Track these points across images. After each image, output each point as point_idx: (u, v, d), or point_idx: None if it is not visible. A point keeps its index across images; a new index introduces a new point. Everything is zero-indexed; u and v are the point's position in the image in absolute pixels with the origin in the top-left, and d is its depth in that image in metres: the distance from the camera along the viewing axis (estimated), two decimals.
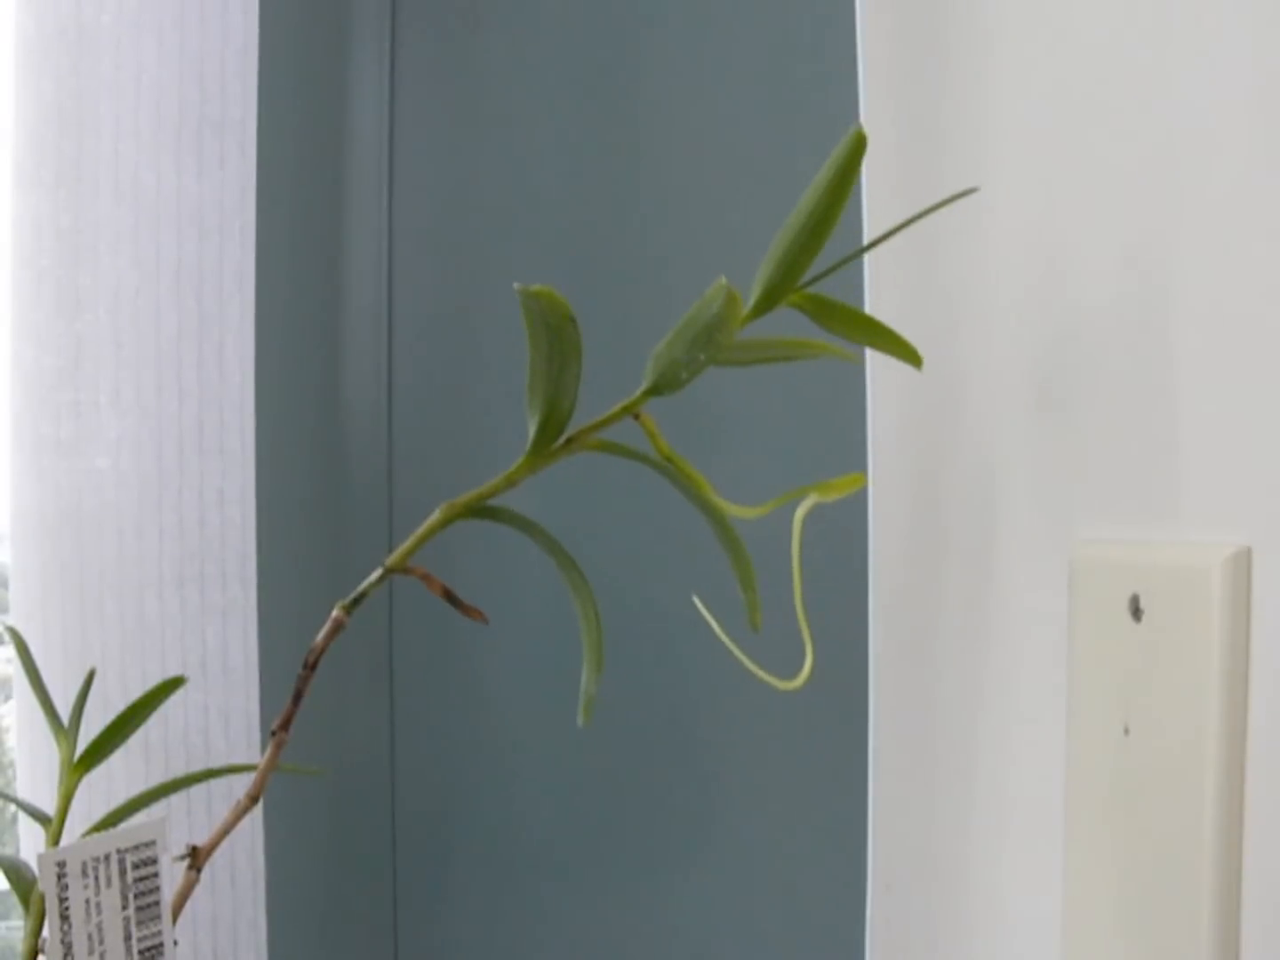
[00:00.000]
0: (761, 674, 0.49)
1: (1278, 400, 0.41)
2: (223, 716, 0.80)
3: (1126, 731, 0.45)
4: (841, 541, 0.64)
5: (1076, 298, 0.50)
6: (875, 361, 0.62)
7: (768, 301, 0.48)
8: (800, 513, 0.49)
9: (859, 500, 0.53)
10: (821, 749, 0.75)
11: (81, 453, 0.76)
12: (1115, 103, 0.48)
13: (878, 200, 0.54)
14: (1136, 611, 0.45)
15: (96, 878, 0.53)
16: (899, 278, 0.61)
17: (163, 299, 0.78)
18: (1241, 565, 0.41)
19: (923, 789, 0.61)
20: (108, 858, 0.54)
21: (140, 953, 0.54)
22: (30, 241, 0.75)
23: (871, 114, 0.63)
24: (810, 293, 0.49)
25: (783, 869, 0.78)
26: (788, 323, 0.50)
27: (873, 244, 0.48)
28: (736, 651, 0.49)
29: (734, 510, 0.49)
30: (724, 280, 0.45)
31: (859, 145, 0.46)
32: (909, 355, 0.50)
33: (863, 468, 0.63)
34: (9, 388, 0.76)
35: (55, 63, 0.75)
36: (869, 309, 0.61)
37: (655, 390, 0.49)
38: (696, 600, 0.52)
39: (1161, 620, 0.44)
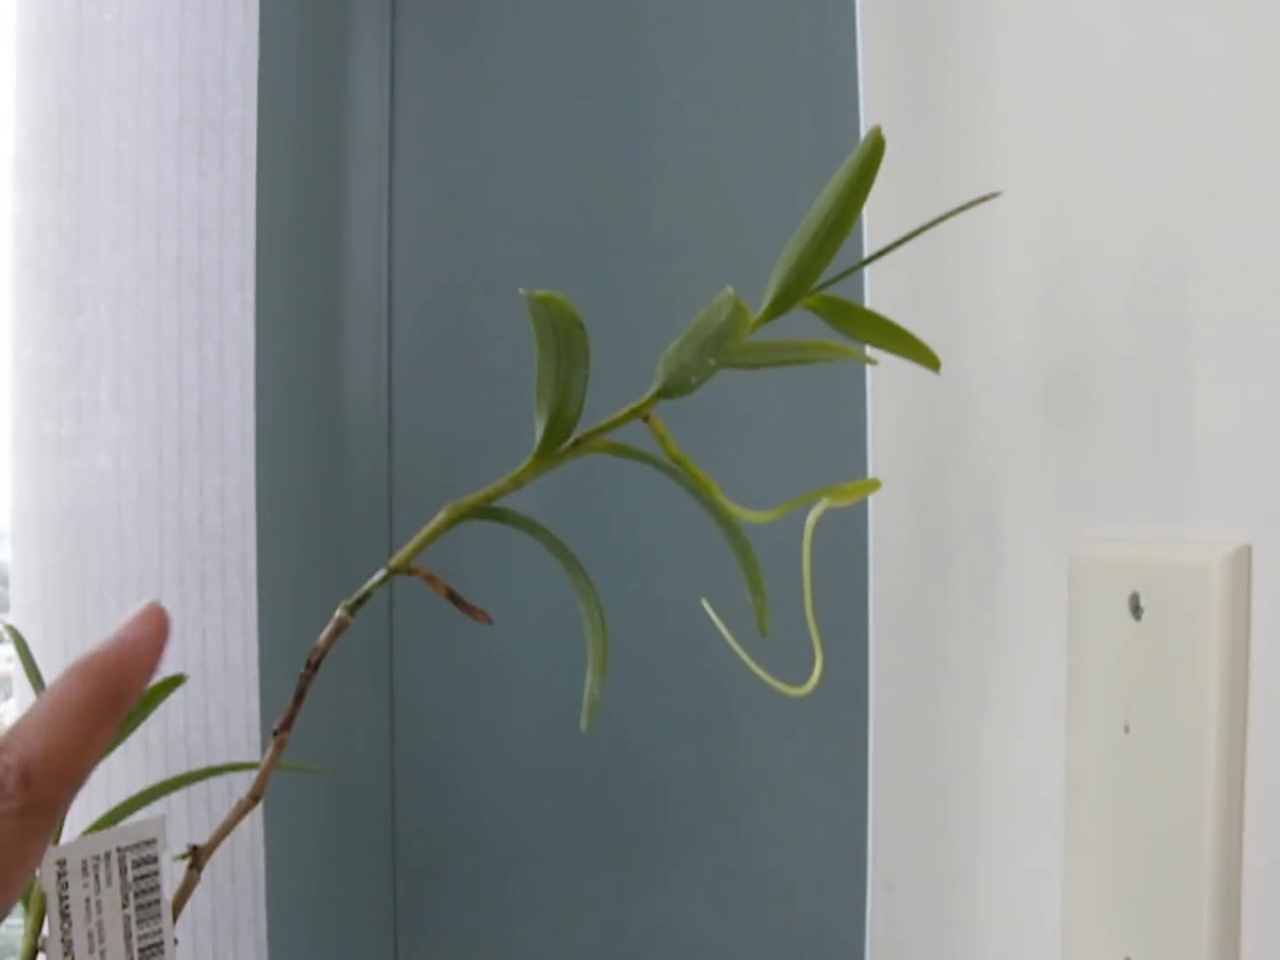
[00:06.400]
0: (770, 680, 0.49)
1: (1277, 398, 0.41)
2: (223, 715, 0.80)
3: (1126, 730, 0.45)
4: (841, 540, 0.64)
5: (1080, 299, 0.50)
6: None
7: (782, 304, 0.48)
8: (812, 518, 0.49)
9: (860, 499, 0.52)
10: (822, 749, 0.75)
11: (82, 451, 0.76)
12: (1123, 105, 0.48)
13: (878, 203, 0.53)
14: (1137, 609, 0.45)
15: (97, 876, 0.53)
16: (898, 280, 0.61)
17: (163, 298, 0.78)
18: (1241, 563, 0.41)
19: (923, 789, 0.61)
20: (108, 856, 0.54)
21: (140, 951, 0.54)
22: (31, 240, 0.75)
23: (872, 116, 0.63)
24: (826, 295, 0.48)
25: (783, 868, 0.78)
26: (796, 325, 0.49)
27: (893, 246, 0.47)
28: (745, 658, 0.49)
29: (745, 515, 0.49)
30: (731, 290, 0.44)
31: (877, 148, 0.45)
32: (926, 358, 0.49)
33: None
34: (10, 386, 0.76)
35: (56, 61, 0.75)
36: None
37: (664, 393, 0.48)
38: (705, 605, 0.52)
39: (1162, 618, 0.44)
